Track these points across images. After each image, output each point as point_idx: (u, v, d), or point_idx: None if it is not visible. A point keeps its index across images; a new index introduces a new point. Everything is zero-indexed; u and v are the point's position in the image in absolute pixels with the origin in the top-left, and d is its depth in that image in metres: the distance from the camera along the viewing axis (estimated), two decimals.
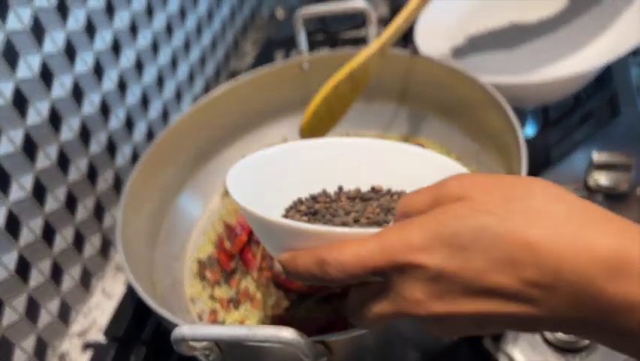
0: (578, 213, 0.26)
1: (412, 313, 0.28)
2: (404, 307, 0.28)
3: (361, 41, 0.86)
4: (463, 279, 0.26)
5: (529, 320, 0.26)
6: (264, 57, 0.91)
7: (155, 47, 0.74)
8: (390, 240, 0.28)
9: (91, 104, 0.63)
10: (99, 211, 0.66)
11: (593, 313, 0.24)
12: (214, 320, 0.53)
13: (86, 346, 0.61)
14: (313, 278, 0.31)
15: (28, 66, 0.54)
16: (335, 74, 0.55)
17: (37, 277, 0.56)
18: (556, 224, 0.25)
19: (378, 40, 0.57)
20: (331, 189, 0.43)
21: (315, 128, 0.57)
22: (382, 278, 0.29)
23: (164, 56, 0.76)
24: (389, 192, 0.41)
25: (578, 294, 0.24)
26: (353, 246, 0.29)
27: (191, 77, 0.84)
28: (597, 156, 0.56)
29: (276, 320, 0.49)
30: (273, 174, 0.42)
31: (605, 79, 0.67)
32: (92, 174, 0.64)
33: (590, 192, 0.56)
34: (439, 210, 0.28)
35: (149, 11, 0.72)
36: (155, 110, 0.75)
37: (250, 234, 0.57)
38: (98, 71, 0.63)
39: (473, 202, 0.27)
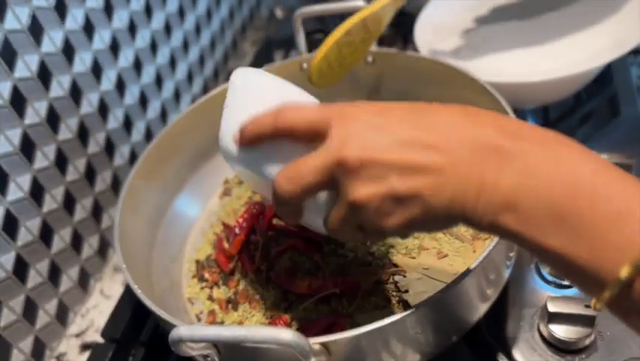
0: (472, 111, 0.32)
1: (340, 155, 0.31)
2: (334, 150, 0.32)
3: None
4: (392, 130, 0.31)
5: (437, 169, 0.30)
6: (262, 57, 0.91)
7: (153, 47, 0.74)
8: (338, 104, 0.34)
9: (89, 103, 0.62)
10: (97, 212, 0.65)
11: (490, 159, 0.29)
12: (212, 321, 0.53)
13: (84, 347, 0.60)
14: (267, 126, 0.35)
15: (27, 66, 0.53)
16: (348, 19, 0.53)
17: (35, 277, 0.56)
18: (459, 113, 0.32)
19: None
20: None
21: (323, 74, 0.56)
22: (323, 138, 0.33)
23: (163, 55, 0.76)
24: None
25: (477, 141, 0.30)
26: (310, 104, 0.36)
27: (189, 77, 0.83)
28: None
29: (275, 321, 0.49)
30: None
31: (605, 79, 0.67)
32: (90, 175, 0.64)
33: None
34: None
35: (148, 11, 0.72)
36: (153, 110, 0.75)
37: (249, 234, 0.57)
38: (97, 70, 0.63)
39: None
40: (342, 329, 0.45)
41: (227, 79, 0.92)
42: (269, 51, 0.94)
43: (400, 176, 0.30)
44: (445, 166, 0.30)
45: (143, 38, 0.71)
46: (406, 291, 0.47)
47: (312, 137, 0.34)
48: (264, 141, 0.36)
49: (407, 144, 0.31)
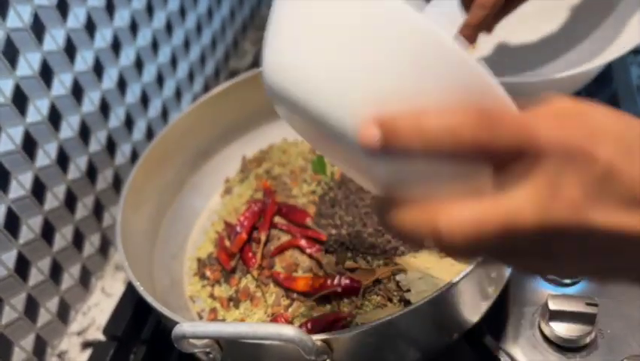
0: None
1: (554, 217, 0.22)
2: (549, 208, 0.22)
3: None
4: (627, 182, 0.23)
5: None
6: None
7: (154, 46, 0.74)
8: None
9: (91, 102, 0.62)
10: (99, 210, 0.66)
11: None
12: (214, 319, 0.53)
13: (85, 345, 0.60)
14: (467, 132, 0.22)
15: (29, 64, 0.53)
16: None
17: (37, 275, 0.56)
18: None
19: None
20: None
21: None
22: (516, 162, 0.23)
23: (164, 54, 0.76)
24: None
25: None
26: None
27: (190, 76, 0.83)
28: None
29: (277, 319, 0.49)
30: None
31: (606, 78, 0.67)
32: (91, 173, 0.64)
33: None
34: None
35: (149, 10, 0.72)
36: (154, 108, 0.75)
37: (250, 232, 0.57)
38: (98, 69, 0.63)
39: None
40: (343, 326, 0.45)
41: (227, 78, 0.92)
42: None
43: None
44: None
45: (144, 37, 0.71)
46: (408, 290, 0.48)
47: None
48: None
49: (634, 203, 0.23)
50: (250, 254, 0.55)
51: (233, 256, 0.56)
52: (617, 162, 0.22)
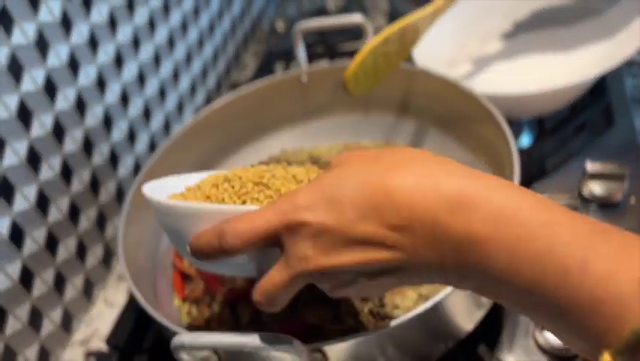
0: (434, 164, 0.29)
1: (303, 271, 0.30)
2: (296, 266, 0.30)
3: None
4: (340, 231, 0.29)
5: (398, 266, 0.29)
6: (264, 69, 0.92)
7: (157, 60, 0.75)
8: (280, 204, 0.31)
9: (94, 116, 0.64)
10: (101, 222, 0.67)
11: (447, 252, 0.27)
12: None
13: (88, 354, 0.61)
14: (215, 251, 0.33)
15: (33, 80, 0.55)
16: (387, 28, 0.52)
17: (41, 286, 0.57)
18: (411, 173, 0.28)
19: (433, 3, 0.55)
20: None
21: (359, 81, 0.54)
22: (277, 245, 0.31)
23: (166, 68, 0.77)
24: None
25: (431, 232, 0.27)
26: (249, 214, 0.32)
27: (192, 89, 0.85)
28: (591, 166, 0.57)
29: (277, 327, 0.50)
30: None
31: (600, 90, 0.68)
32: (94, 185, 0.65)
33: (584, 202, 0.57)
34: (322, 175, 0.31)
35: (151, 24, 0.73)
36: (157, 121, 0.76)
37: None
38: (101, 83, 0.65)
39: (349, 165, 0.31)
40: (303, 328, 0.46)
41: (229, 90, 0.94)
42: (270, 63, 0.95)
43: (364, 277, 0.30)
44: (401, 258, 0.28)
45: (146, 51, 0.73)
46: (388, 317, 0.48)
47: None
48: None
49: (357, 242, 0.29)
50: (213, 279, 0.54)
51: (190, 280, 0.56)
52: (327, 218, 0.29)
